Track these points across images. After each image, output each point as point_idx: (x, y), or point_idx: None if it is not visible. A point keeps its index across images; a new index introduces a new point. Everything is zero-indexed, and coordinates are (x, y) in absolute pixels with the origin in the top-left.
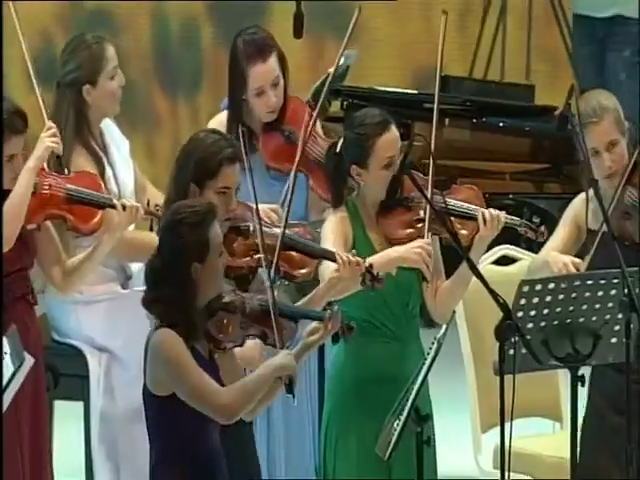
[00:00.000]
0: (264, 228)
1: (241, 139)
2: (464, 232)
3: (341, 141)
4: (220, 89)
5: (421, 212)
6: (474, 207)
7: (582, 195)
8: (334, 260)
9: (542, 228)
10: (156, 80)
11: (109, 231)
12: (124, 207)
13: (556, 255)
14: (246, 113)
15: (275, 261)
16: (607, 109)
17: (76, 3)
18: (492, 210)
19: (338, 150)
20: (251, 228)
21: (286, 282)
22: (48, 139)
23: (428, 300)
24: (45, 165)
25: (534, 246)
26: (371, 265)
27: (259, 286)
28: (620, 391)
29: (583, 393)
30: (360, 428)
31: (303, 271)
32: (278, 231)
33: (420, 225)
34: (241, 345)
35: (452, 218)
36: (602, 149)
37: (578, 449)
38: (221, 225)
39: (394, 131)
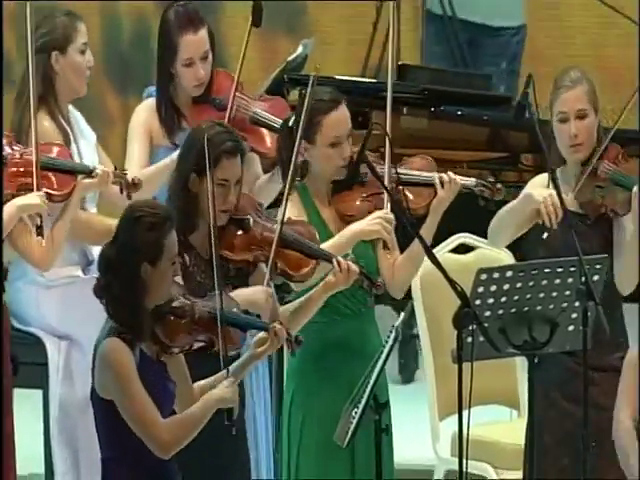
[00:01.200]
0: (266, 223)
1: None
2: (421, 199)
3: (294, 117)
4: None
5: (375, 188)
6: (429, 174)
7: (544, 174)
8: (332, 263)
9: (498, 185)
10: (107, 79)
11: (77, 190)
12: (96, 172)
13: (540, 188)
14: (173, 90)
15: (272, 257)
16: (583, 80)
17: (24, 3)
18: (450, 173)
19: (290, 124)
20: (251, 221)
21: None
22: (40, 197)
23: (385, 274)
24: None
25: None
26: (371, 274)
27: (258, 279)
28: (567, 375)
29: None
30: (324, 406)
31: (301, 272)
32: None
33: (372, 199)
34: (189, 350)
35: (409, 187)
36: (571, 115)
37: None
38: (219, 216)
39: (343, 110)
